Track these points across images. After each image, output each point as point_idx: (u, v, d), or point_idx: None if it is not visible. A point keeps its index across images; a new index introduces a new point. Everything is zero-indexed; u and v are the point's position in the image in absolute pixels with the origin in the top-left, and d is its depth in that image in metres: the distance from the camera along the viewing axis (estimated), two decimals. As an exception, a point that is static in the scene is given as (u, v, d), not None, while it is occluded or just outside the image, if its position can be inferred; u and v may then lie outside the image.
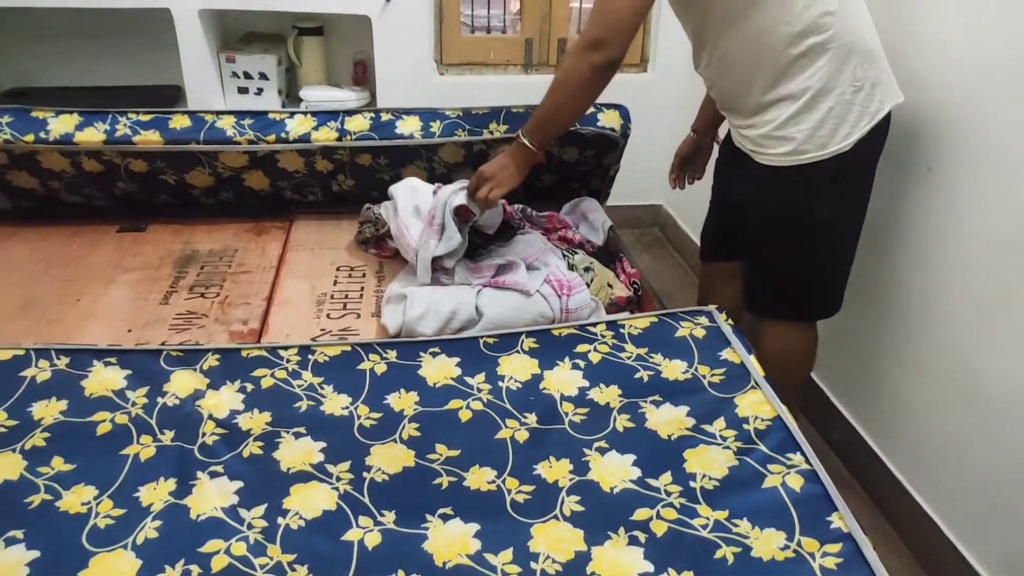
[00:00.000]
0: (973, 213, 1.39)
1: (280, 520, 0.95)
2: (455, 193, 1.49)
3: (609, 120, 1.79)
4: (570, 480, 1.02)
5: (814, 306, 1.51)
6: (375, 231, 1.70)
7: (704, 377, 1.17)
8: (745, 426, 1.07)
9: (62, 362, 1.19)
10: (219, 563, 0.89)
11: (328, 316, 1.50)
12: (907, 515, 1.58)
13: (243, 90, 2.42)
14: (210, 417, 1.11)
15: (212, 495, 0.98)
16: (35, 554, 0.90)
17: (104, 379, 1.17)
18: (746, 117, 1.39)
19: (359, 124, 1.76)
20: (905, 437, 1.61)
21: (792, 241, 1.42)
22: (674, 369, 1.20)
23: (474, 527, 0.95)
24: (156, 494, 0.98)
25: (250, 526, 0.94)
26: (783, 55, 1.29)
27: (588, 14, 1.30)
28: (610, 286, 1.52)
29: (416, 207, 1.59)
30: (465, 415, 1.14)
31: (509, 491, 1.01)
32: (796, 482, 0.98)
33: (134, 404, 1.13)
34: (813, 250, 1.43)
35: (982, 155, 1.36)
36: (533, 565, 0.90)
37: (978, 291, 1.39)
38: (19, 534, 0.92)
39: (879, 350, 1.67)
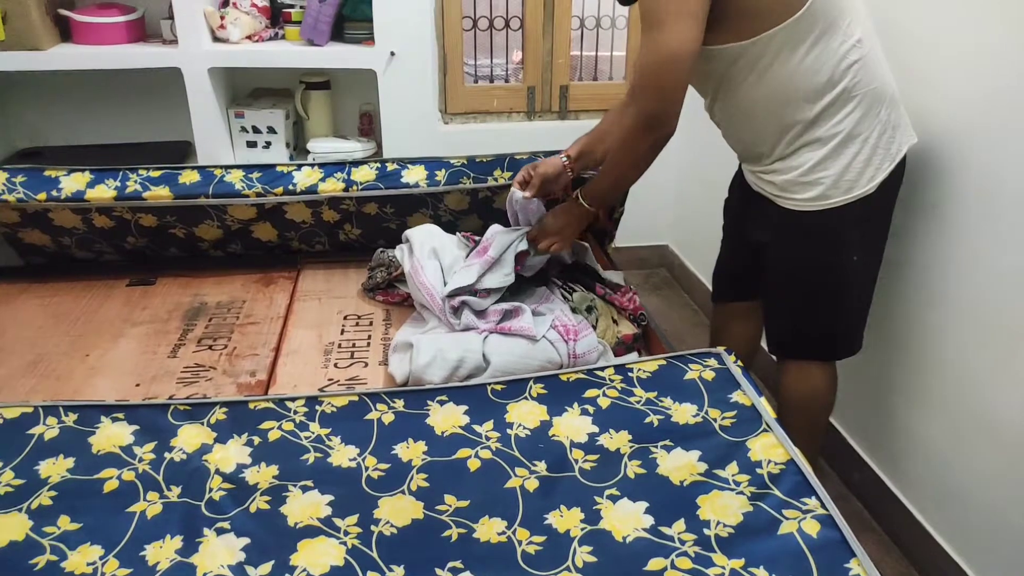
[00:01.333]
0: (982, 249, 1.38)
1: (287, 577, 0.94)
2: (519, 239, 1.55)
3: (612, 164, 1.80)
4: (582, 530, 1.00)
5: (840, 345, 1.51)
6: (387, 275, 1.70)
7: (715, 420, 1.16)
8: (758, 470, 1.05)
9: (70, 419, 1.19)
10: (225, 623, 0.88)
11: (336, 365, 1.50)
12: (932, 560, 1.54)
13: (252, 144, 2.46)
14: (217, 472, 1.10)
15: (219, 552, 0.97)
16: (39, 617, 0.88)
17: (111, 435, 1.16)
18: (769, 163, 1.39)
19: (365, 174, 1.79)
20: (925, 479, 1.58)
21: (820, 284, 1.42)
22: (684, 413, 1.18)
23: (484, 581, 0.93)
24: (163, 552, 0.97)
25: (257, 584, 0.93)
26: (811, 103, 1.29)
27: (639, 87, 1.28)
28: (615, 322, 1.51)
29: (432, 249, 1.60)
30: (474, 464, 1.12)
31: (520, 542, 0.99)
32: (812, 528, 0.95)
33: (141, 460, 1.12)
34: (841, 292, 1.43)
35: (988, 191, 1.36)
36: (545, 620, 0.88)
37: (990, 328, 1.37)
38: (24, 596, 0.91)
39: (895, 391, 1.65)
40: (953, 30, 1.42)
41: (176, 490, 1.07)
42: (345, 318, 1.68)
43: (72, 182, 1.71)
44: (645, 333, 1.57)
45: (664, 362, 1.30)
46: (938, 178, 1.46)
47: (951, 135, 1.43)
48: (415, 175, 1.80)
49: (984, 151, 1.37)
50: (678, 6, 1.19)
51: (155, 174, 1.74)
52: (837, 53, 1.26)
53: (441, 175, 1.79)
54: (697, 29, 1.20)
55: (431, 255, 1.59)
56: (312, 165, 1.81)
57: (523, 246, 1.54)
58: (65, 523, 1.01)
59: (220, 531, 1.00)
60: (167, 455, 1.13)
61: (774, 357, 1.57)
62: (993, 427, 1.37)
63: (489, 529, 1.01)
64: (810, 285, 1.43)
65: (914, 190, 1.50)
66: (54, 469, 1.10)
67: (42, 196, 1.69)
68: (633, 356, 1.52)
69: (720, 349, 1.31)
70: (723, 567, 0.92)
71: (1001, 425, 1.36)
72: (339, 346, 1.57)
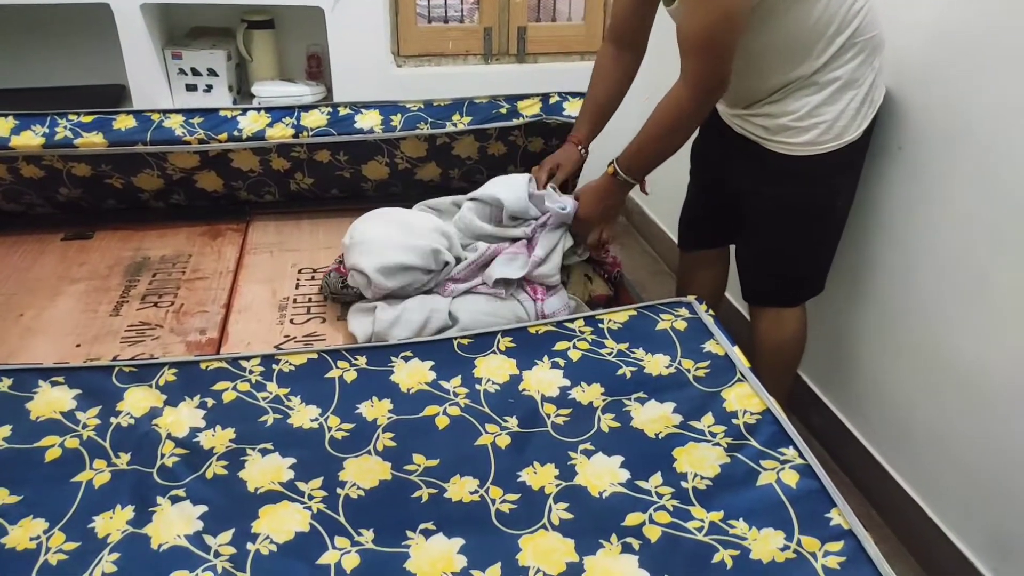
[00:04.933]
0: (947, 193, 1.38)
1: (250, 545, 0.89)
2: (563, 237, 1.41)
3: (575, 109, 1.74)
4: (556, 486, 0.97)
5: (809, 288, 1.53)
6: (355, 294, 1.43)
7: (688, 371, 1.14)
8: (734, 420, 1.04)
9: (4, 384, 1.10)
10: (184, 597, 0.83)
11: (291, 321, 1.43)
12: (892, 500, 1.57)
13: (191, 87, 2.32)
14: (169, 436, 1.04)
15: (174, 522, 0.91)
16: (-21, 598, 0.82)
17: (51, 400, 1.08)
18: (760, 106, 1.35)
19: (316, 120, 1.69)
20: (886, 421, 1.60)
21: (806, 229, 1.43)
22: (657, 364, 1.16)
23: (458, 542, 0.90)
24: (113, 524, 0.91)
25: (217, 554, 0.87)
26: (819, 51, 1.26)
27: (692, 50, 1.20)
28: (588, 278, 1.47)
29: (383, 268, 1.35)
30: (442, 421, 1.08)
31: (493, 501, 0.96)
32: (791, 478, 0.94)
33: (85, 426, 1.05)
34: (824, 236, 1.45)
35: (952, 135, 1.35)
36: (523, 580, 0.85)
37: (954, 272, 1.38)
38: (-39, 577, 0.84)
39: (856, 335, 1.66)
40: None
41: (125, 457, 1.00)
42: (300, 271, 1.61)
43: (-6, 128, 1.58)
44: (616, 290, 1.54)
45: (635, 312, 1.27)
46: (904, 120, 1.45)
47: (917, 77, 1.41)
48: (369, 120, 1.71)
49: (948, 95, 1.35)
50: None
51: (87, 119, 1.61)
52: (846, 1, 1.24)
53: (397, 120, 1.71)
54: None
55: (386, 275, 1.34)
56: (259, 110, 1.70)
57: (570, 243, 1.42)
58: (3, 496, 0.94)
59: (175, 499, 0.94)
60: (113, 420, 1.06)
61: (746, 304, 1.56)
62: (954, 371, 1.39)
63: (461, 488, 0.97)
64: (796, 230, 1.43)
65: (881, 133, 1.48)
66: (-12, 439, 1.02)
67: (-39, 144, 1.56)
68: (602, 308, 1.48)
69: (691, 298, 1.28)
70: (702, 520, 0.91)
71: (962, 370, 1.37)
72: (294, 301, 1.50)
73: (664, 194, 1.82)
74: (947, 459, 1.43)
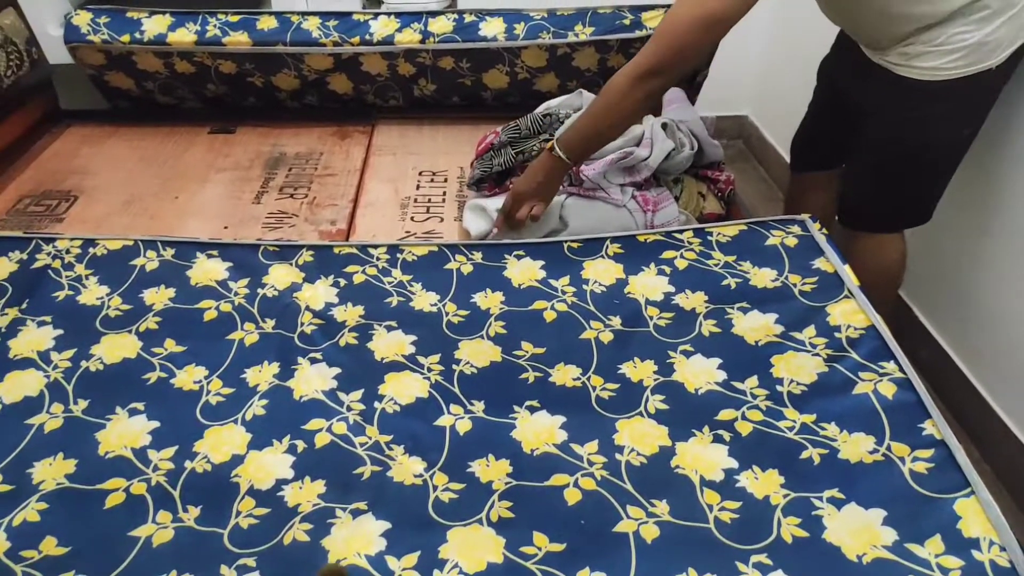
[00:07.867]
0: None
1: (376, 404, 1.00)
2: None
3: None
4: (655, 380, 1.03)
5: (913, 216, 1.47)
6: (512, 160, 1.47)
7: (795, 285, 1.15)
8: (836, 334, 1.06)
9: (168, 253, 1.26)
10: (322, 440, 0.95)
11: (412, 219, 1.53)
12: (995, 438, 1.55)
13: (324, -8, 2.40)
14: (307, 308, 1.16)
15: (313, 379, 1.04)
16: (155, 424, 0.98)
17: (207, 270, 1.23)
18: (895, 44, 1.28)
19: (442, 26, 1.74)
20: (997, 358, 1.56)
21: (923, 154, 1.36)
22: (763, 277, 1.18)
23: (560, 419, 0.98)
24: (261, 376, 1.05)
25: (349, 408, 1.00)
26: None
27: (659, 29, 1.17)
28: (702, 196, 1.48)
29: None
30: (550, 315, 1.15)
31: (594, 388, 1.03)
32: (888, 389, 0.96)
33: (236, 294, 1.19)
34: (942, 164, 1.38)
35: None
36: (618, 456, 0.93)
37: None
38: (140, 406, 1.00)
39: (973, 267, 1.60)
40: None
41: (270, 322, 1.14)
42: (420, 174, 1.69)
43: (154, 24, 1.72)
44: (728, 208, 1.54)
45: (745, 227, 1.28)
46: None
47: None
48: (493, 28, 1.74)
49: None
50: None
51: (234, 19, 1.73)
52: None
53: (520, 28, 1.73)
54: None
55: None
56: (388, 14, 1.77)
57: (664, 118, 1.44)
58: (171, 345, 1.09)
59: (313, 360, 1.07)
60: (260, 291, 1.19)
61: (844, 227, 1.52)
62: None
63: (564, 374, 1.05)
64: (915, 156, 1.36)
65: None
66: (157, 297, 1.17)
67: (126, 38, 1.71)
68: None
69: (804, 216, 1.28)
70: (794, 421, 0.95)
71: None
72: (415, 201, 1.59)
73: (785, 119, 1.78)
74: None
